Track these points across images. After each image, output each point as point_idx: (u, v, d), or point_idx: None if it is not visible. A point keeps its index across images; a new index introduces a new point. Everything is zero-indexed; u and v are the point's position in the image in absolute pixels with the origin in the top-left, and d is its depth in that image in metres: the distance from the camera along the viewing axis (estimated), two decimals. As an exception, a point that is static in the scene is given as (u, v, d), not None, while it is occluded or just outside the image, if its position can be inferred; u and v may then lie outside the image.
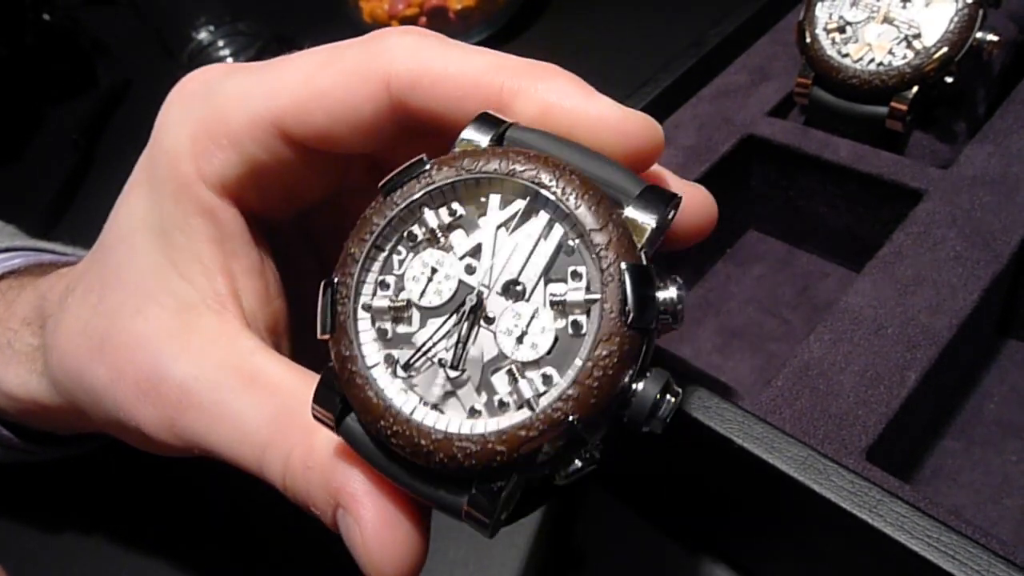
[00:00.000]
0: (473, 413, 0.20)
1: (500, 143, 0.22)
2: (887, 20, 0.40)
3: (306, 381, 0.24)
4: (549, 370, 0.20)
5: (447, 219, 0.22)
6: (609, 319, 0.19)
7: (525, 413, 0.19)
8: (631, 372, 0.19)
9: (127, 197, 0.28)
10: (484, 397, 0.20)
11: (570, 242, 0.20)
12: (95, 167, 0.70)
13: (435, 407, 0.21)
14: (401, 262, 0.22)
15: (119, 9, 0.82)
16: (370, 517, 0.22)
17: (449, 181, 0.21)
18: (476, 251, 0.21)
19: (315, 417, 0.22)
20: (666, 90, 0.45)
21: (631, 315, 0.19)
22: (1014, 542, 0.29)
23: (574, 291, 0.20)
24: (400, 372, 0.21)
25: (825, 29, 0.41)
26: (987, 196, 0.36)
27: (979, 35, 0.38)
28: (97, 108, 0.75)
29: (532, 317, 0.20)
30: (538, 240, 0.21)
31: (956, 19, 0.38)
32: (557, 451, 0.19)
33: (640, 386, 0.20)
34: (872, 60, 0.39)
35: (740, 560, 0.36)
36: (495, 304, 0.21)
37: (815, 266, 0.46)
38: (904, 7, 0.39)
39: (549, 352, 0.20)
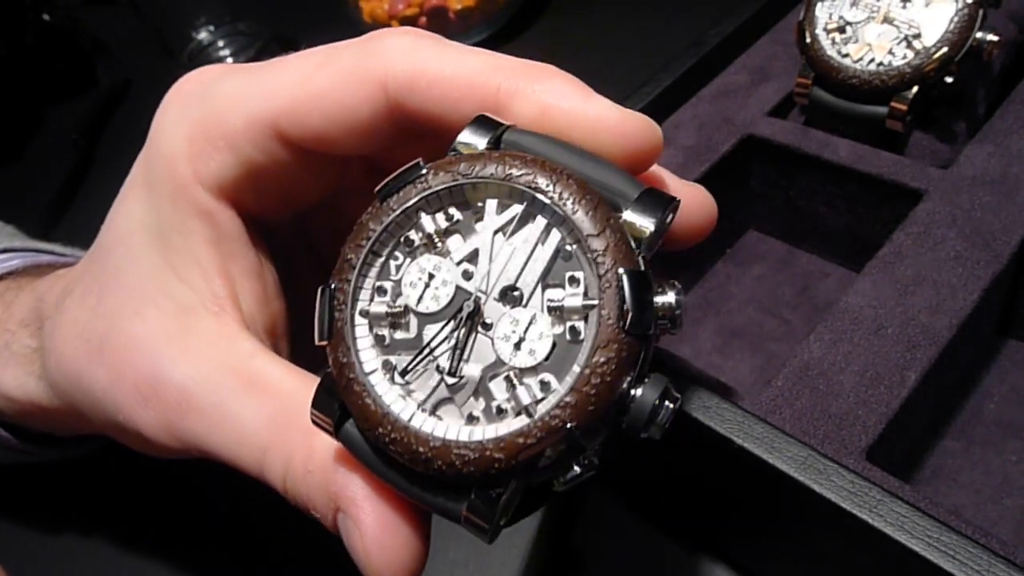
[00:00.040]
0: (471, 419, 0.20)
1: (497, 146, 0.22)
2: (887, 20, 0.40)
3: (305, 383, 0.24)
4: (547, 376, 0.20)
5: (444, 224, 0.22)
6: (607, 326, 0.19)
7: (523, 420, 0.19)
8: (629, 379, 0.19)
9: (124, 199, 0.28)
10: (482, 403, 0.20)
11: (567, 247, 0.20)
12: (95, 167, 0.70)
13: (433, 413, 0.21)
14: (398, 267, 0.22)
15: (119, 9, 0.82)
16: (370, 521, 0.22)
17: (446, 186, 0.21)
18: (473, 256, 0.21)
19: (314, 422, 0.22)
20: (666, 90, 0.45)
21: (629, 322, 0.19)
22: (1014, 542, 0.29)
23: (572, 297, 0.20)
24: (398, 378, 0.21)
25: (825, 29, 0.41)
26: (987, 196, 0.36)
27: (979, 35, 0.37)
28: (97, 108, 0.75)
29: (530, 323, 0.20)
30: (535, 245, 0.21)
31: (956, 19, 0.38)
32: (555, 458, 0.19)
33: (639, 392, 0.19)
34: (872, 60, 0.39)
35: (740, 560, 0.36)
36: (492, 310, 0.21)
37: (815, 266, 0.46)
38: (904, 7, 0.39)
39: (547, 358, 0.20)
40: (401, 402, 0.21)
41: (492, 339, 0.20)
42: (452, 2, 0.67)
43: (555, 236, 0.20)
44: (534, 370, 0.20)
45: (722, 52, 0.47)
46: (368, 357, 0.21)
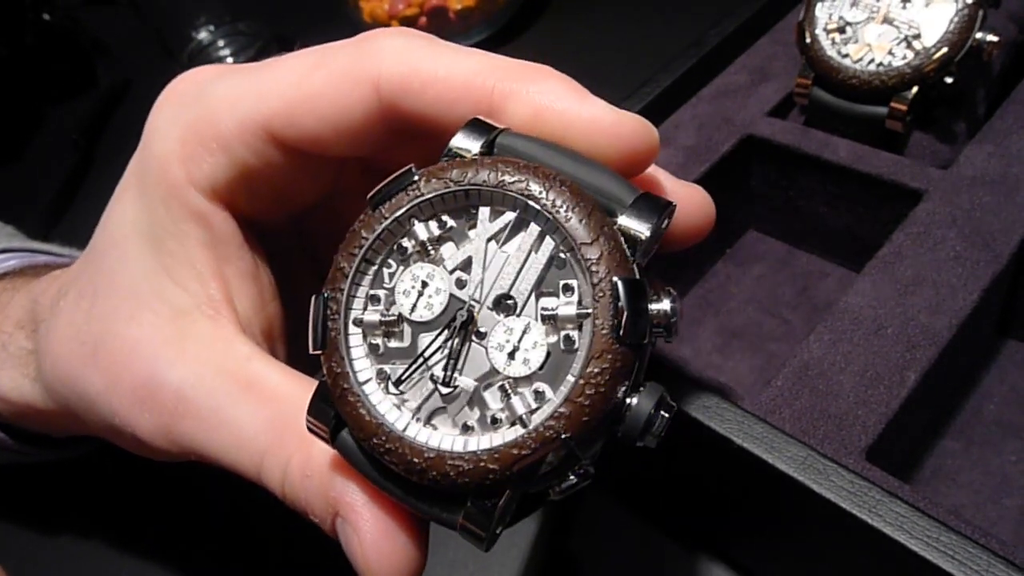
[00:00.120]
0: (466, 429, 0.20)
1: (491, 150, 0.22)
2: (887, 20, 0.40)
3: (303, 387, 0.24)
4: (541, 386, 0.20)
5: (437, 231, 0.21)
6: (601, 336, 0.19)
7: (517, 430, 0.19)
8: (624, 388, 0.19)
9: (118, 201, 0.28)
10: (477, 413, 0.20)
11: (561, 255, 0.20)
12: (95, 167, 0.70)
13: (428, 423, 0.21)
14: (392, 275, 0.22)
15: (119, 9, 0.82)
16: (368, 528, 0.22)
17: (437, 193, 0.21)
18: (467, 264, 0.21)
19: (310, 430, 0.22)
20: (666, 90, 0.45)
21: (623, 331, 0.19)
22: (1014, 542, 0.29)
23: (566, 305, 0.20)
24: (392, 388, 0.21)
25: (825, 29, 0.41)
26: (987, 196, 0.36)
27: (979, 35, 0.37)
28: (97, 108, 0.75)
29: (524, 332, 0.20)
30: (529, 253, 0.20)
31: (956, 19, 0.38)
32: (550, 468, 0.19)
33: (634, 401, 0.19)
34: (872, 60, 0.39)
35: (740, 560, 0.36)
36: (486, 319, 0.21)
37: (815, 266, 0.46)
38: (904, 7, 0.39)
39: (541, 368, 0.20)
40: (396, 412, 0.21)
41: (486, 348, 0.20)
42: (452, 2, 0.67)
43: (549, 244, 0.20)
44: (528, 379, 0.20)
45: (722, 52, 0.47)
46: (362, 367, 0.21)
